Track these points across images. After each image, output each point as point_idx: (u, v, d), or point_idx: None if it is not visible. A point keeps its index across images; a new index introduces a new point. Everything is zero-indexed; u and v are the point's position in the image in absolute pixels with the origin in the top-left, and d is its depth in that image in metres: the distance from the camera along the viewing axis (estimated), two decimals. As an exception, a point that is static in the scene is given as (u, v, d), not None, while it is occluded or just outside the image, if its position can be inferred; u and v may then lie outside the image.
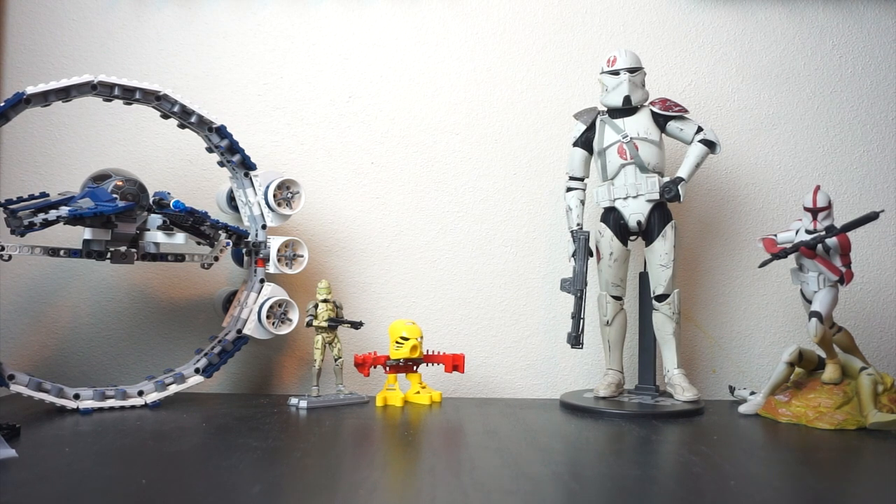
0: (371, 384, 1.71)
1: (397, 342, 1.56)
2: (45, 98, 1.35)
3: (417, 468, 1.08)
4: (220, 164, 1.59)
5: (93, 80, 1.39)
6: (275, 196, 1.57)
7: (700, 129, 1.59)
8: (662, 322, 1.59)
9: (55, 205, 1.37)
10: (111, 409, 1.41)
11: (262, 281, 1.56)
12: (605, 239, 1.61)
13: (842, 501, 0.96)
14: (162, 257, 1.53)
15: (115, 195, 1.41)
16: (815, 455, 1.21)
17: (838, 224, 1.44)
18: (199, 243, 1.53)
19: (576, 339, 1.52)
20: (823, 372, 1.48)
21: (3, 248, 1.35)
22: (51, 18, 1.76)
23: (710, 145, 1.58)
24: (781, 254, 1.48)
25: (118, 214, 1.41)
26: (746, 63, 1.84)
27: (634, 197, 1.58)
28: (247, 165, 1.56)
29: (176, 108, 1.48)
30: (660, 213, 1.58)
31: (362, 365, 1.53)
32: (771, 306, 1.80)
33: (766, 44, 1.84)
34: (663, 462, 1.16)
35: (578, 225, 1.61)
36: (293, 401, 1.49)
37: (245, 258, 1.60)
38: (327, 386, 1.64)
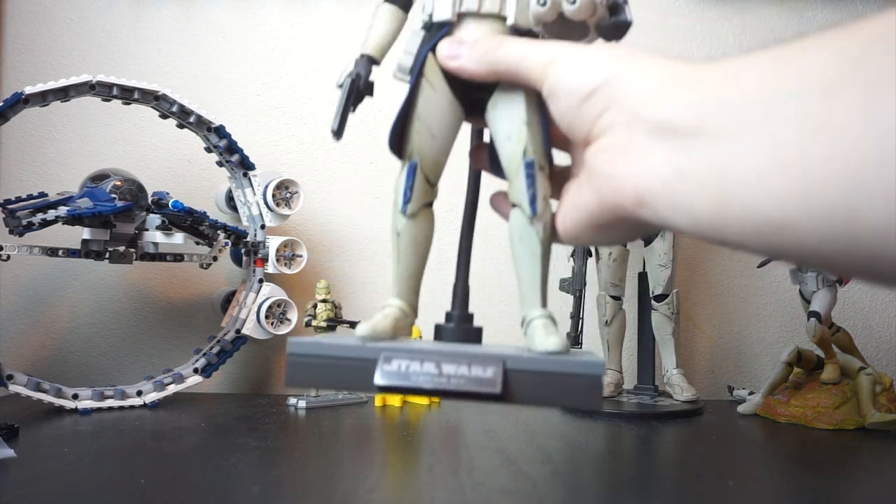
0: (370, 384, 1.70)
1: (396, 342, 1.55)
2: (43, 98, 1.35)
3: (417, 468, 1.07)
4: (219, 163, 1.59)
5: (91, 80, 1.38)
6: (274, 196, 1.57)
7: (699, 129, 1.59)
8: (661, 322, 1.59)
9: (54, 205, 1.36)
10: (110, 409, 1.41)
11: (260, 281, 1.56)
12: (604, 239, 1.60)
13: (841, 501, 0.96)
14: (160, 257, 1.53)
15: (113, 195, 1.41)
16: (814, 455, 1.21)
17: (837, 224, 1.44)
18: (197, 243, 1.53)
19: (575, 339, 1.52)
20: (822, 372, 1.48)
21: (1, 248, 1.35)
22: (49, 18, 1.76)
23: (710, 145, 1.58)
24: (781, 254, 1.48)
25: (117, 214, 1.41)
26: (745, 63, 1.84)
27: (634, 197, 1.58)
28: (245, 165, 1.55)
29: (174, 108, 1.48)
30: (659, 213, 1.58)
31: (361, 365, 1.52)
32: (770, 306, 1.80)
33: (766, 44, 1.84)
34: (663, 462, 1.16)
35: (578, 225, 1.61)
36: (292, 401, 1.49)
37: (244, 258, 1.59)
38: (326, 386, 1.63)
